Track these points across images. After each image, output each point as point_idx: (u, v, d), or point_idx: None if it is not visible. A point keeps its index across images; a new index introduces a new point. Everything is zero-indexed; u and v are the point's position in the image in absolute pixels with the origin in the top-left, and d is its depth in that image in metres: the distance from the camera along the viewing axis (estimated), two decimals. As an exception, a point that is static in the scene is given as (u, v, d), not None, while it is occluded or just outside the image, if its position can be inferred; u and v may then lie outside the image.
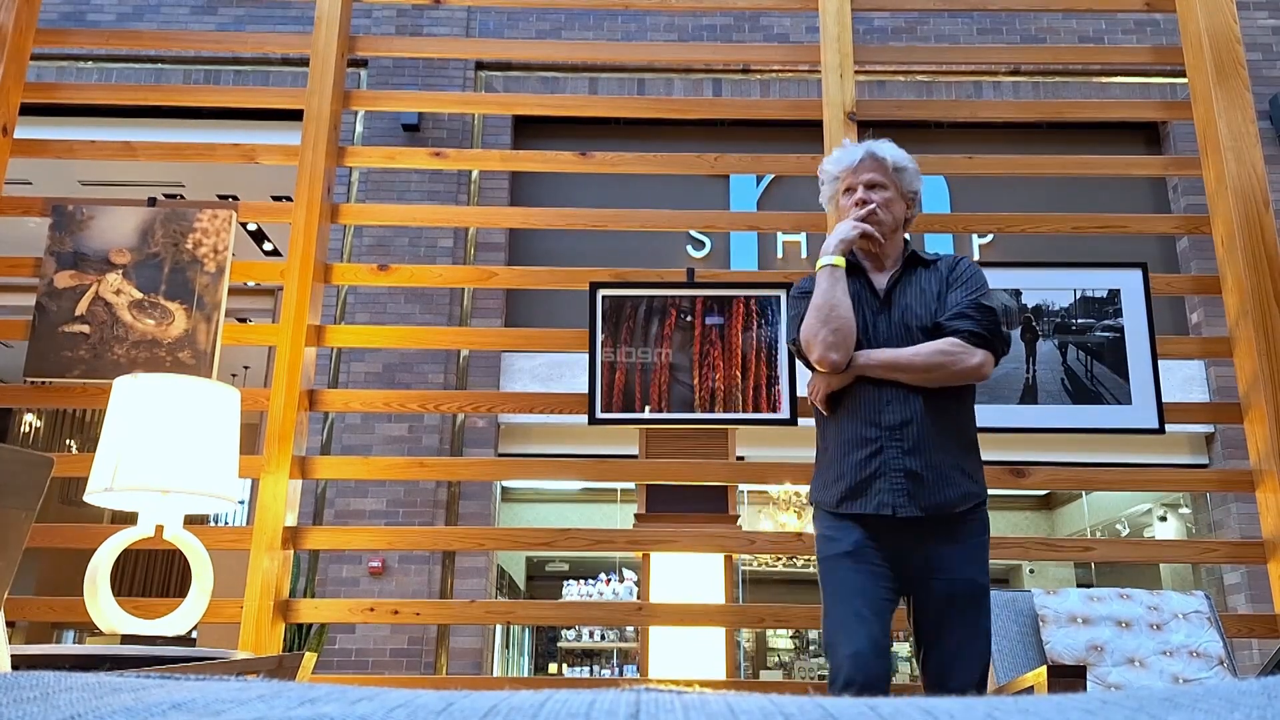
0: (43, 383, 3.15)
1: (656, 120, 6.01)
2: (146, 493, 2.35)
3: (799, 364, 3.14)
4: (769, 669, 10.15)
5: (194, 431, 2.34)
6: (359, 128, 6.23)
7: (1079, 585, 4.21)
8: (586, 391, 3.16)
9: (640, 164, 3.45)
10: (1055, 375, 3.12)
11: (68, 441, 9.63)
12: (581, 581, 8.65)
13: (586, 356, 3.19)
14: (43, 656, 2.09)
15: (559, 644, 9.57)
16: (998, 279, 3.24)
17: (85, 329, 3.12)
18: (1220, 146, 3.13)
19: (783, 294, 3.22)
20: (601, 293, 3.22)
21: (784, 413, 3.12)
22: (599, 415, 3.13)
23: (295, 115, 3.45)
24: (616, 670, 9.23)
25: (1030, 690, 2.13)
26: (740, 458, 5.18)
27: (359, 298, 6.07)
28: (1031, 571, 10.03)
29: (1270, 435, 2.87)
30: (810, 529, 2.50)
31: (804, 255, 6.28)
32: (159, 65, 6.32)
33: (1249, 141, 3.12)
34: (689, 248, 6.23)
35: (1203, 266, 5.95)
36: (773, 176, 6.31)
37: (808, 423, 3.12)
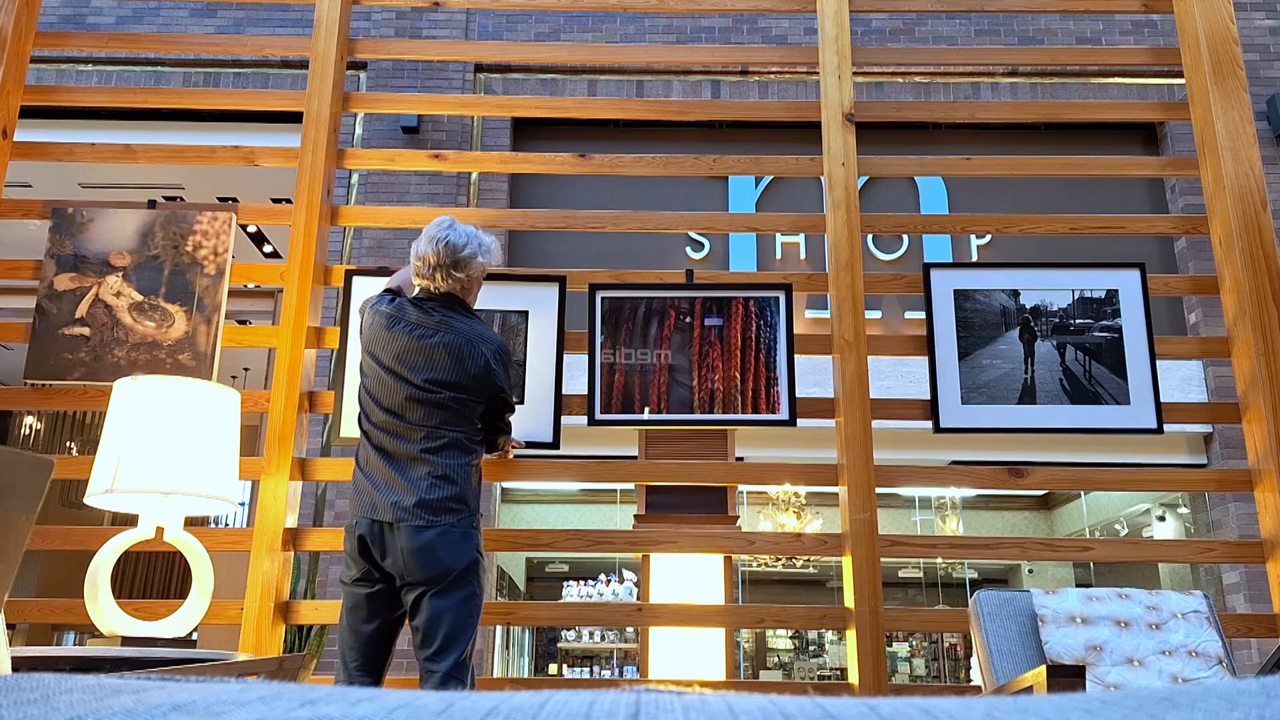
0: (43, 385, 3.16)
1: (655, 122, 6.01)
2: (147, 494, 2.35)
3: (797, 368, 3.15)
4: (769, 669, 10.15)
5: (194, 433, 2.34)
6: (358, 130, 6.23)
7: (1078, 585, 4.21)
8: (585, 393, 3.17)
9: (639, 166, 3.46)
10: (1053, 375, 3.13)
11: (68, 444, 9.63)
12: (581, 582, 8.65)
13: (586, 358, 3.19)
14: (43, 658, 2.09)
15: (559, 645, 9.57)
16: (996, 279, 3.24)
17: (85, 331, 3.12)
18: (1218, 147, 3.14)
19: (781, 295, 3.23)
20: (600, 294, 3.23)
21: (783, 413, 3.12)
22: (598, 416, 3.13)
23: (295, 118, 3.45)
24: (616, 671, 9.23)
25: (1029, 690, 2.13)
26: (740, 458, 5.18)
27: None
28: (1030, 571, 10.04)
29: (1268, 435, 2.87)
30: (810, 529, 2.52)
31: (803, 256, 6.29)
32: (158, 68, 6.32)
33: (1246, 142, 3.13)
34: (688, 249, 6.23)
35: (1201, 267, 5.95)
36: (771, 178, 6.32)
37: (807, 423, 3.13)
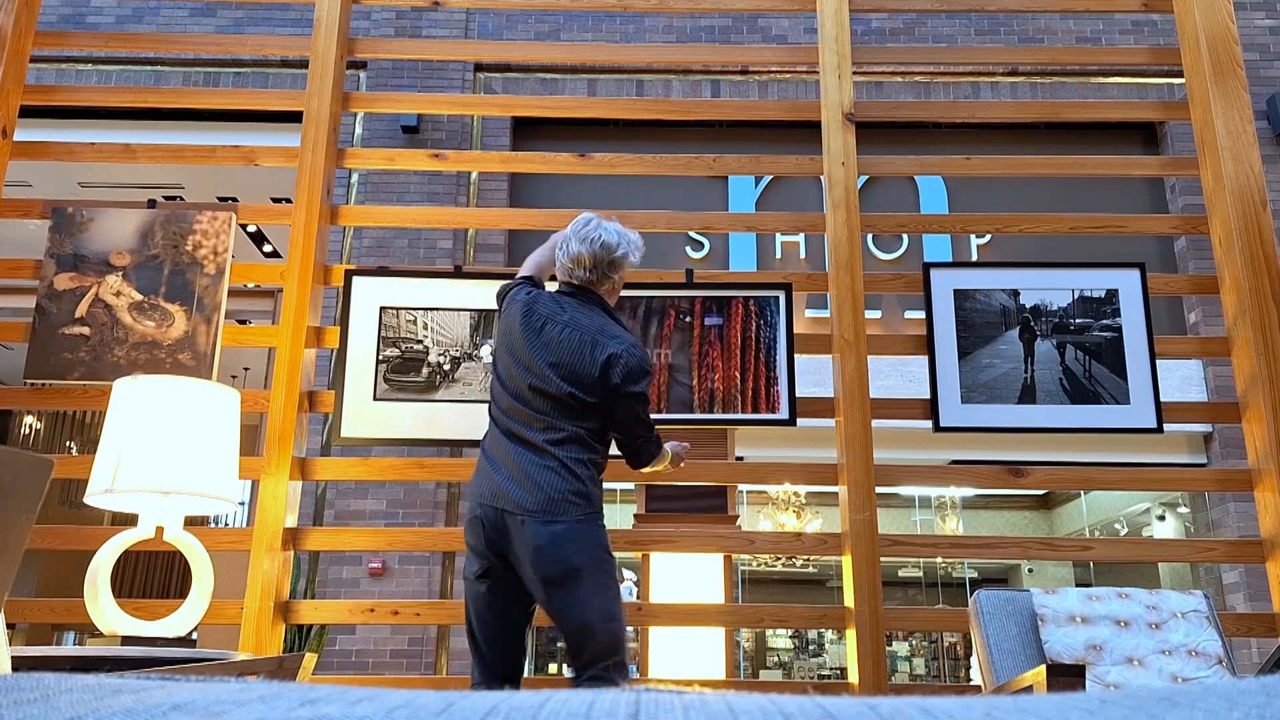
0: (43, 385, 3.16)
1: (655, 121, 6.01)
2: (147, 494, 2.35)
3: (797, 367, 3.16)
4: (768, 669, 10.15)
5: (194, 433, 2.34)
6: (358, 129, 6.23)
7: (1078, 585, 4.22)
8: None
9: (639, 165, 3.46)
10: (1053, 375, 3.13)
11: (68, 443, 9.63)
12: (581, 582, 8.64)
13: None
14: (43, 658, 2.09)
15: (559, 644, 9.57)
16: (996, 279, 3.24)
17: (85, 331, 3.12)
18: (1218, 146, 3.14)
19: (781, 295, 3.22)
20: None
21: (783, 413, 3.12)
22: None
23: (295, 117, 3.45)
24: (616, 671, 9.21)
25: (1029, 689, 2.13)
26: (739, 458, 5.18)
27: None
28: (1030, 571, 10.04)
29: (1268, 434, 2.87)
30: (810, 528, 2.52)
31: (803, 255, 6.28)
32: (158, 67, 6.32)
33: (1246, 141, 3.13)
34: (688, 248, 6.23)
35: (1200, 266, 5.95)
36: (771, 177, 6.32)
37: (807, 423, 3.13)
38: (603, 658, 2.24)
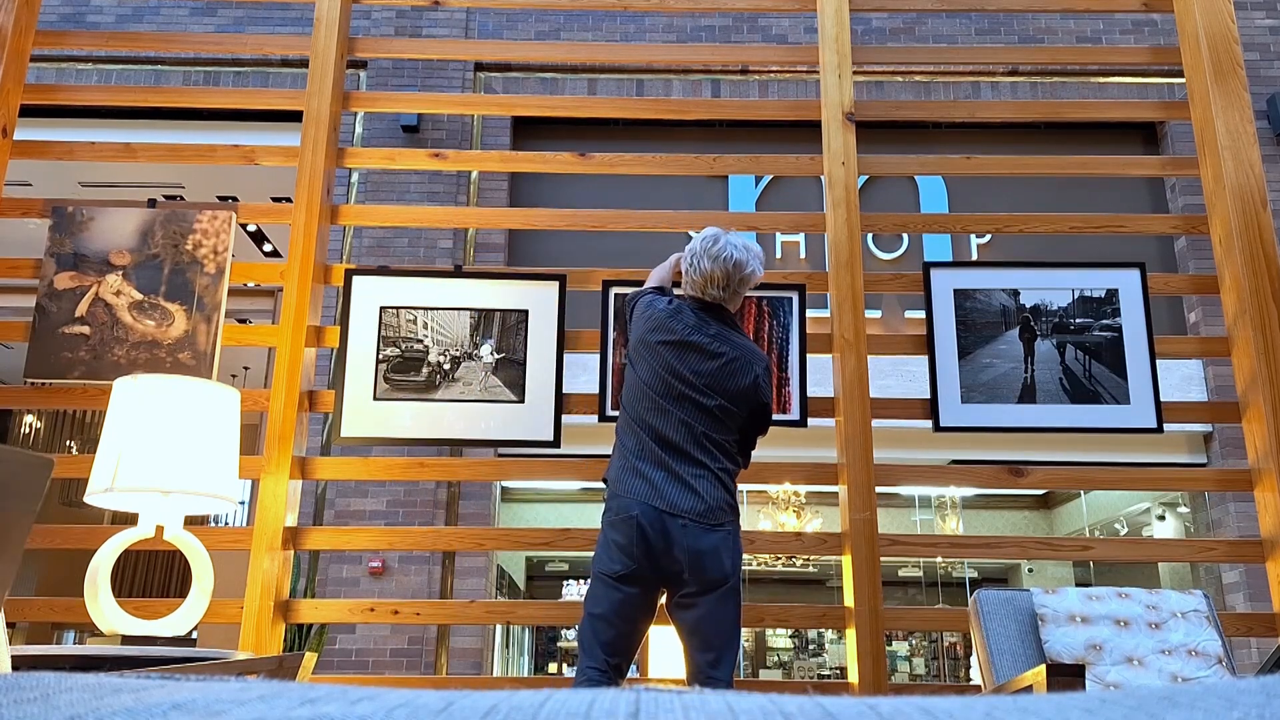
0: (43, 384, 3.16)
1: (655, 121, 6.01)
2: (147, 493, 2.35)
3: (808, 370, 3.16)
4: (768, 669, 10.15)
5: (194, 432, 2.34)
6: (358, 129, 6.23)
7: (1077, 584, 4.22)
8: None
9: (639, 165, 3.46)
10: (1053, 375, 3.12)
11: (68, 443, 9.62)
12: (581, 581, 8.66)
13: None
14: (43, 657, 2.09)
15: (559, 644, 9.57)
16: (996, 279, 3.24)
17: (85, 330, 3.12)
18: (1218, 146, 3.14)
19: (795, 296, 3.22)
20: (614, 290, 3.22)
21: (794, 414, 3.12)
22: (609, 414, 3.12)
23: (295, 116, 3.45)
24: (616, 670, 9.21)
25: (1029, 689, 2.13)
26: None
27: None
28: (1030, 570, 10.04)
29: (1268, 434, 2.87)
30: (810, 528, 2.55)
31: (803, 255, 6.28)
32: (158, 67, 6.32)
33: (1246, 141, 3.13)
34: (688, 248, 6.23)
35: (1201, 266, 5.95)
36: (771, 177, 6.32)
37: (816, 423, 3.13)
38: (733, 665, 2.34)
